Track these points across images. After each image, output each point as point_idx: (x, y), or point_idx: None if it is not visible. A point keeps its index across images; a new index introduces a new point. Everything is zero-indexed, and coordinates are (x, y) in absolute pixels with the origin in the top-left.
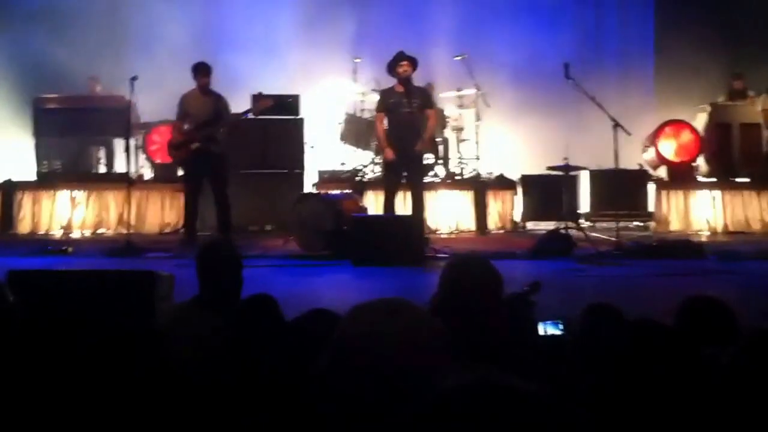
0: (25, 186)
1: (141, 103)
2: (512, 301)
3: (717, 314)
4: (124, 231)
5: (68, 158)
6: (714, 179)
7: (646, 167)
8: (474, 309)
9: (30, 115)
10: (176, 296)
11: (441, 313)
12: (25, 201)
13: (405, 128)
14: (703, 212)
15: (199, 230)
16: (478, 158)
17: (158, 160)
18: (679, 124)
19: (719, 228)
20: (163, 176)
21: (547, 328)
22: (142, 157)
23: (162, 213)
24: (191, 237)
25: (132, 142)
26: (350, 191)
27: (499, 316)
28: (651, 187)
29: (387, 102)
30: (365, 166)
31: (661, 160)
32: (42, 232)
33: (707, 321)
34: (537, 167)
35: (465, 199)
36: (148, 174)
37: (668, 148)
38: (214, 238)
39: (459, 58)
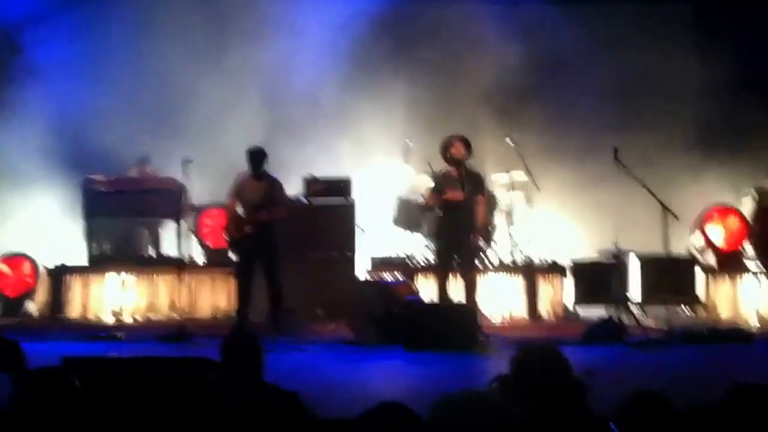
0: (74, 270)
1: (192, 186)
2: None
3: (764, 401)
4: (176, 316)
5: (118, 241)
6: (761, 266)
7: (694, 251)
8: (546, 392)
9: (79, 197)
10: None
11: (511, 395)
12: (75, 284)
13: (457, 214)
14: (752, 299)
15: (251, 315)
16: (528, 242)
17: (210, 244)
18: (725, 209)
19: None
20: (215, 260)
21: None
22: (193, 240)
23: (214, 298)
24: (243, 322)
25: (183, 224)
26: (403, 276)
27: (566, 398)
28: (699, 272)
29: (441, 187)
30: (417, 252)
31: (709, 245)
32: (92, 316)
33: (754, 408)
34: (587, 251)
35: (516, 284)
36: (199, 257)
37: (716, 233)
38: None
39: (508, 140)
